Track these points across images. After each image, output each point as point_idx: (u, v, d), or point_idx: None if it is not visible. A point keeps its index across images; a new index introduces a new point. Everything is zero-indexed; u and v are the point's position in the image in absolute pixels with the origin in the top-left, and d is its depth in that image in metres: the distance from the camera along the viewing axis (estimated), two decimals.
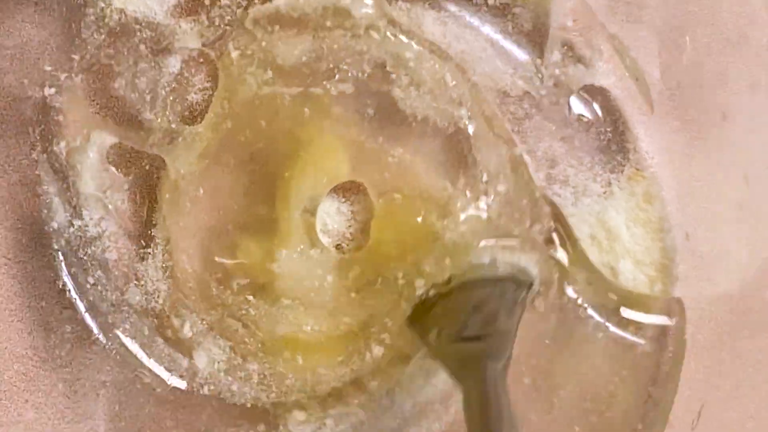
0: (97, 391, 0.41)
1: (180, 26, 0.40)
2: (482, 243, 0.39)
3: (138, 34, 0.40)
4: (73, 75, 0.40)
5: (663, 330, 0.41)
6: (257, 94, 0.39)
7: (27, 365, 0.40)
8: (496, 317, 0.37)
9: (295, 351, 0.40)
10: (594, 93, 0.42)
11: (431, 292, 0.38)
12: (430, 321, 0.38)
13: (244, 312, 0.40)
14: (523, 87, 0.42)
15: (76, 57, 0.40)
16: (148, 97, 0.40)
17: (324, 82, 0.39)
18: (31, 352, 0.40)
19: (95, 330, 0.41)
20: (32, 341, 0.40)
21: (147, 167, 0.40)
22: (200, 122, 0.40)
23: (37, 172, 0.40)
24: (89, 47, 0.40)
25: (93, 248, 0.41)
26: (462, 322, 0.37)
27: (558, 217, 0.41)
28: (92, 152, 0.40)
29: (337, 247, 0.41)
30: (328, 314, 0.40)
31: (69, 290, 0.41)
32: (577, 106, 0.42)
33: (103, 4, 0.40)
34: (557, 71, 0.42)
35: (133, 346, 0.41)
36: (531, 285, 0.39)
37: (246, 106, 0.39)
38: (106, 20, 0.40)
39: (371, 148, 0.40)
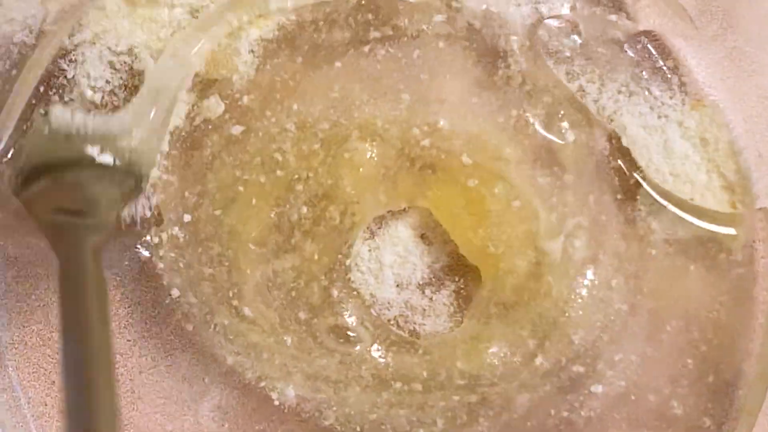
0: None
1: None
2: None
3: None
4: None
5: (753, 247, 0.42)
6: None
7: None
8: (100, 198, 0.38)
9: None
10: (639, 35, 0.43)
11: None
12: (37, 187, 0.38)
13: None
14: (569, 45, 0.42)
15: None
16: None
17: None
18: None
19: None
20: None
21: None
22: None
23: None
24: None
25: None
26: (66, 196, 0.38)
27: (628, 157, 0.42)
28: None
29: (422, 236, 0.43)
30: None
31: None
32: (627, 50, 0.43)
33: None
34: (598, 19, 0.43)
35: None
36: (141, 180, 0.39)
37: None
38: None
39: None
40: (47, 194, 0.38)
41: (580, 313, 0.41)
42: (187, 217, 0.41)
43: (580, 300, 0.41)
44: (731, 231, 0.42)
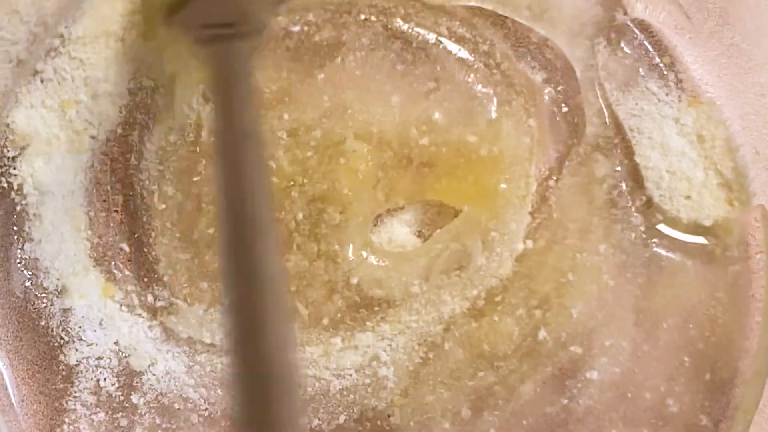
0: None
1: None
2: None
3: None
4: None
5: (748, 243, 0.42)
6: None
7: None
8: (247, 5, 0.37)
9: None
10: (636, 30, 0.43)
11: None
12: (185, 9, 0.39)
13: None
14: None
15: None
16: None
17: None
18: None
19: None
20: None
21: None
22: None
23: None
24: None
25: None
26: (214, 10, 0.38)
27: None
28: None
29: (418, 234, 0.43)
30: None
31: None
32: (624, 47, 0.43)
33: None
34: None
35: None
36: None
37: None
38: None
39: None
40: (195, 12, 0.38)
41: (574, 278, 0.42)
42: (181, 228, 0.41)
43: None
44: (726, 236, 0.42)
